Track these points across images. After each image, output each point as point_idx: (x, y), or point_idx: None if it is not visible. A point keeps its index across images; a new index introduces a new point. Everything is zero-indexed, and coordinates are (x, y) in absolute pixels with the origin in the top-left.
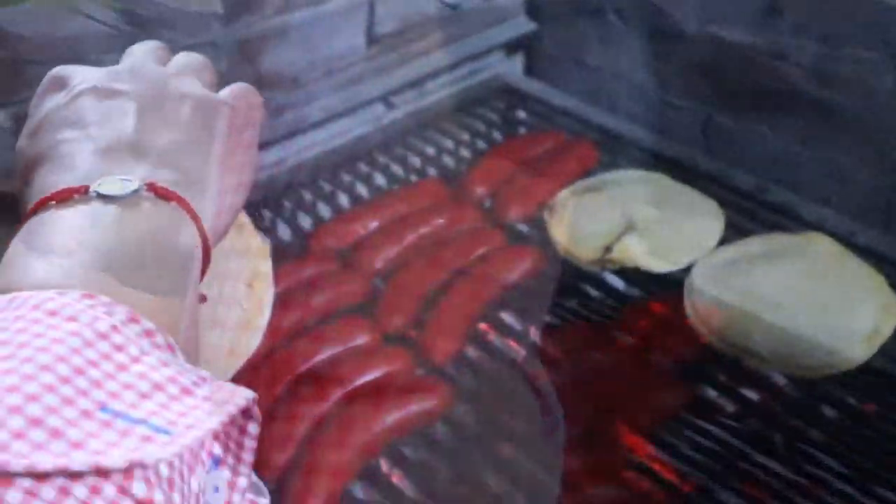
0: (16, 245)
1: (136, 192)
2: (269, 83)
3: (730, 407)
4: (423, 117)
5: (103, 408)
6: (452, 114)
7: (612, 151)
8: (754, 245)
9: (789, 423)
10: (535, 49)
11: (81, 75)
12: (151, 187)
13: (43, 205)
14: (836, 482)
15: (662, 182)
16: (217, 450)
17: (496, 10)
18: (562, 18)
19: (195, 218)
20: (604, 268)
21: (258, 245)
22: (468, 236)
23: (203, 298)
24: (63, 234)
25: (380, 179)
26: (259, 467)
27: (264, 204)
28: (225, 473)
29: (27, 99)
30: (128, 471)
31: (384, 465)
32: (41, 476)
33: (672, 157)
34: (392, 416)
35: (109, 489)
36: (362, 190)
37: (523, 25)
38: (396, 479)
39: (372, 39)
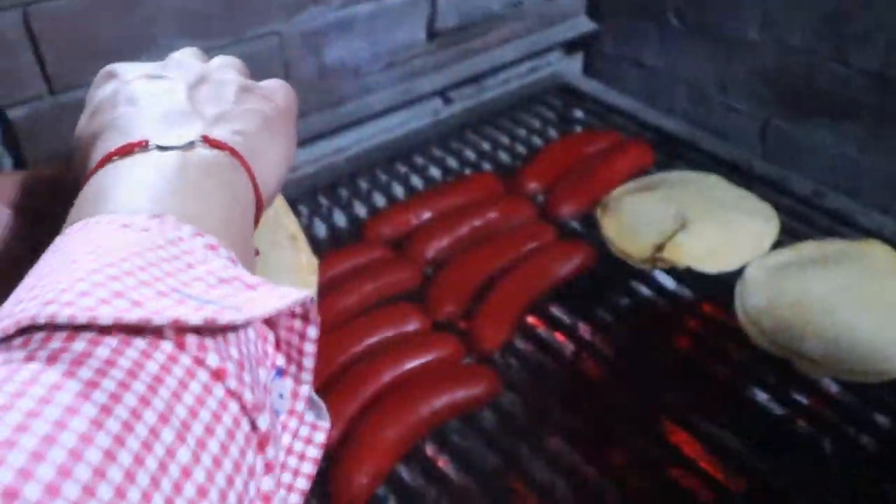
0: (82, 195)
1: (192, 143)
2: (332, 74)
3: (779, 410)
4: (481, 113)
5: (177, 291)
6: (509, 110)
7: (668, 152)
8: (808, 249)
9: (840, 428)
10: (595, 49)
11: (133, 67)
12: (206, 139)
13: (104, 164)
14: (888, 488)
15: (717, 184)
16: (280, 361)
17: (557, 9)
18: (622, 19)
19: (248, 168)
20: (655, 267)
21: (308, 260)
22: (520, 230)
23: (256, 252)
24: (127, 178)
25: (435, 172)
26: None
27: (322, 192)
28: (288, 383)
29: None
30: (202, 344)
31: (430, 450)
32: (127, 329)
33: (728, 160)
34: (440, 400)
35: (185, 359)
36: (417, 182)
37: (584, 25)
38: (442, 463)
39: (433, 34)
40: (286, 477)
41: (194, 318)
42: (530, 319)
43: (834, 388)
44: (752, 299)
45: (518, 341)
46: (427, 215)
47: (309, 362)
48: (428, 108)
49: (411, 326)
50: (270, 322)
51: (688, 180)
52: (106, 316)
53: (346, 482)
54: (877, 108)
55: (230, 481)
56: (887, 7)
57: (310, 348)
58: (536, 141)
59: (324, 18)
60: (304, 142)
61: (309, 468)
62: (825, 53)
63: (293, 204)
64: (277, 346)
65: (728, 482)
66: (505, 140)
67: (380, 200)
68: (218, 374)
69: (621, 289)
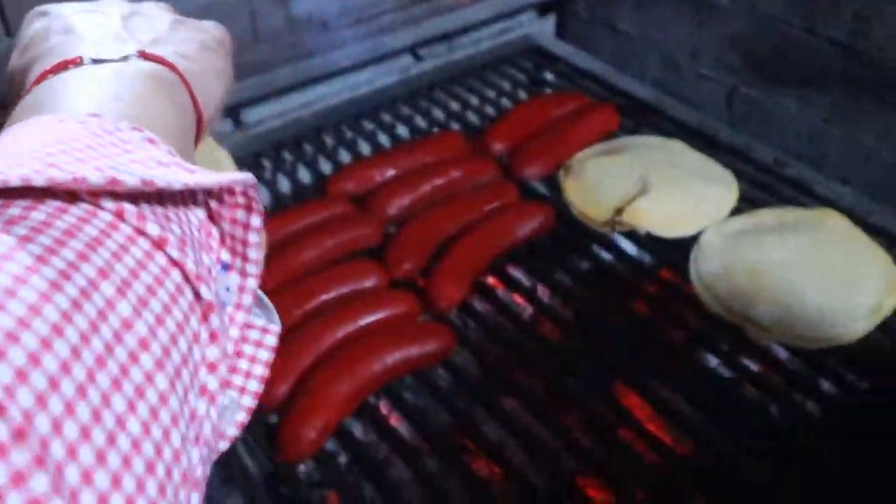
0: (17, 108)
1: (127, 57)
2: (299, 27)
3: (729, 375)
4: (451, 72)
5: (114, 168)
6: (480, 70)
7: (635, 117)
8: (765, 217)
9: (787, 394)
10: (568, 11)
11: (65, 5)
12: (143, 54)
13: (39, 81)
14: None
15: (682, 150)
16: (225, 256)
17: None
18: None
19: (186, 83)
20: (614, 230)
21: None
22: (483, 190)
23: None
24: (63, 89)
25: (402, 130)
26: (262, 397)
27: (287, 147)
28: (234, 277)
29: None
30: (141, 214)
31: (383, 407)
32: (64, 198)
33: (694, 127)
34: (393, 356)
35: (125, 227)
36: (384, 139)
37: None
38: (395, 420)
39: None
40: (238, 379)
41: (131, 180)
42: (489, 280)
43: (783, 354)
44: (707, 265)
45: (475, 301)
46: (391, 173)
47: (254, 253)
48: (397, 65)
49: (369, 283)
50: (214, 217)
51: (652, 145)
52: (38, 177)
53: (295, 436)
54: (843, 78)
55: (173, 340)
56: None
57: (254, 238)
58: (506, 102)
59: None
60: (269, 96)
61: (260, 370)
62: (795, 22)
63: (257, 158)
64: (222, 241)
65: (675, 445)
66: (474, 100)
67: (345, 157)
68: (159, 244)
69: (581, 252)
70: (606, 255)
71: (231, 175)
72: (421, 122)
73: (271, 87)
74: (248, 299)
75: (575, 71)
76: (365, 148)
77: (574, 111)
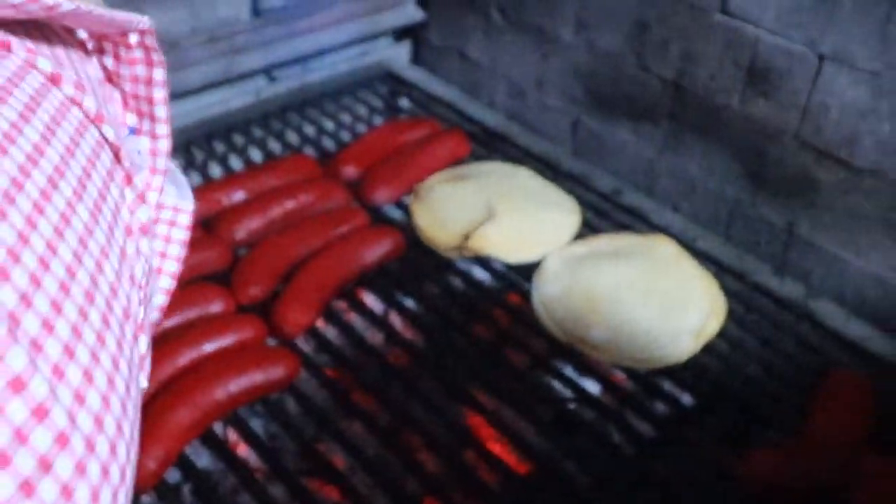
0: None
1: None
2: None
3: (569, 396)
4: (305, 95)
5: None
6: (334, 94)
7: (485, 144)
8: (603, 243)
9: (622, 414)
10: (422, 38)
11: None
12: None
13: None
14: (661, 469)
15: (527, 176)
16: (132, 120)
17: None
18: (449, 10)
19: None
20: (461, 255)
21: None
22: (332, 214)
23: None
24: None
25: (254, 153)
26: None
27: None
28: (144, 140)
29: None
30: (30, 49)
31: (231, 436)
32: None
33: (540, 155)
34: (236, 383)
35: (14, 59)
36: (236, 162)
37: (412, 14)
38: (241, 449)
39: (258, 11)
40: (154, 260)
41: None
42: (337, 304)
43: (621, 375)
44: (547, 289)
45: (323, 326)
46: (239, 196)
47: (161, 111)
48: (250, 86)
49: (214, 308)
50: (112, 79)
51: (500, 172)
52: None
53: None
54: (671, 113)
55: (87, 173)
56: (682, 20)
57: (159, 94)
58: (359, 126)
59: None
60: None
61: (176, 250)
62: (629, 59)
63: None
64: (125, 103)
65: (517, 465)
66: (328, 124)
67: (195, 179)
68: (53, 79)
69: (430, 277)
70: (454, 280)
71: (125, 14)
72: (274, 144)
73: None
74: (161, 163)
75: (428, 97)
76: (216, 170)
77: (425, 137)
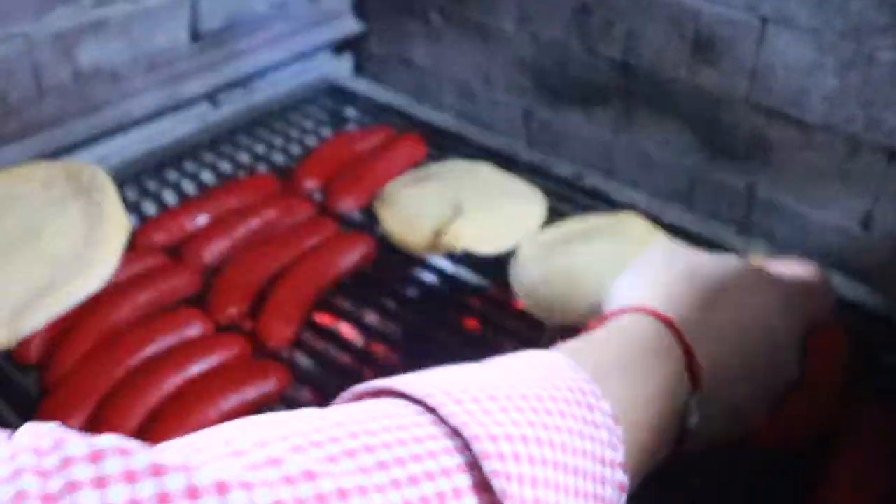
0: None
1: None
2: (87, 79)
3: None
4: (251, 116)
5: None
6: (281, 112)
7: (439, 146)
8: (572, 226)
9: None
10: (363, 49)
11: None
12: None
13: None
14: None
15: (488, 171)
16: None
17: (323, 10)
18: (388, 18)
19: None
20: (435, 253)
21: None
22: (300, 227)
23: None
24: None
25: (208, 177)
26: None
27: None
28: None
29: None
30: None
31: None
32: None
33: (496, 149)
34: (229, 401)
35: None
36: (190, 188)
37: (351, 25)
38: None
39: (196, 35)
40: None
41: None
42: (318, 314)
43: None
44: (526, 274)
45: (306, 336)
46: (202, 220)
47: None
48: (195, 112)
49: (193, 331)
50: None
51: (460, 170)
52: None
53: None
54: (622, 93)
55: None
56: (623, 0)
57: None
58: (310, 141)
59: (76, 18)
60: (60, 152)
61: None
62: (574, 44)
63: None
64: None
65: None
66: (278, 141)
67: (150, 209)
68: None
69: (406, 278)
70: (431, 278)
71: None
72: (226, 166)
73: (61, 144)
74: None
75: (375, 106)
76: (171, 198)
77: (381, 144)
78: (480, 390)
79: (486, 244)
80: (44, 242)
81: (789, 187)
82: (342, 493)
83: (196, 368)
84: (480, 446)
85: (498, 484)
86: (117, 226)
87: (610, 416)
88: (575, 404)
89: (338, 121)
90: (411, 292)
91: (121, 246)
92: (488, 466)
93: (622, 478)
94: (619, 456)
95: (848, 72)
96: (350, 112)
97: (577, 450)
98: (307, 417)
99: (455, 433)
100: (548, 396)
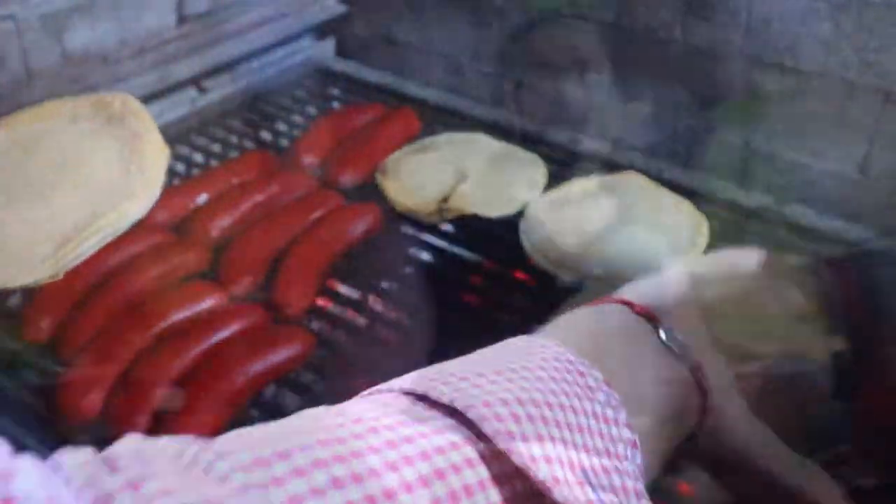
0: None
1: None
2: (77, 61)
3: None
4: (239, 100)
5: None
6: (268, 95)
7: (432, 119)
8: (577, 186)
9: None
10: (346, 31)
11: None
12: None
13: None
14: None
15: (485, 141)
16: None
17: None
18: None
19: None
20: (442, 219)
21: None
22: (306, 200)
23: None
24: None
25: (199, 159)
26: (121, 433)
27: None
28: None
29: None
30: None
31: (255, 415)
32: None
33: (490, 121)
34: (256, 366)
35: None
36: (182, 169)
37: (333, 8)
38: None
39: (183, 17)
40: None
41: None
42: (331, 282)
43: None
44: (537, 233)
45: (323, 302)
46: (204, 197)
47: None
48: (184, 96)
49: (210, 303)
50: None
51: (459, 140)
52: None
53: None
54: (615, 55)
55: None
56: None
57: None
58: (300, 122)
59: (63, 0)
60: None
61: None
62: (565, 10)
63: None
64: None
65: None
66: (268, 123)
67: None
68: None
69: (417, 246)
70: (438, 243)
71: None
72: (218, 149)
73: None
74: None
75: (363, 86)
76: (167, 180)
77: (376, 119)
78: (469, 372)
79: (494, 207)
80: (81, 175)
81: (787, 138)
82: (388, 494)
83: (219, 336)
84: (476, 412)
85: (502, 443)
86: (157, 150)
87: (603, 382)
88: (565, 371)
89: (326, 101)
90: (425, 262)
91: (163, 170)
92: (488, 427)
93: (630, 435)
94: (622, 416)
95: (841, 15)
96: (335, 92)
97: (576, 409)
98: (325, 416)
99: (453, 411)
100: (536, 366)
